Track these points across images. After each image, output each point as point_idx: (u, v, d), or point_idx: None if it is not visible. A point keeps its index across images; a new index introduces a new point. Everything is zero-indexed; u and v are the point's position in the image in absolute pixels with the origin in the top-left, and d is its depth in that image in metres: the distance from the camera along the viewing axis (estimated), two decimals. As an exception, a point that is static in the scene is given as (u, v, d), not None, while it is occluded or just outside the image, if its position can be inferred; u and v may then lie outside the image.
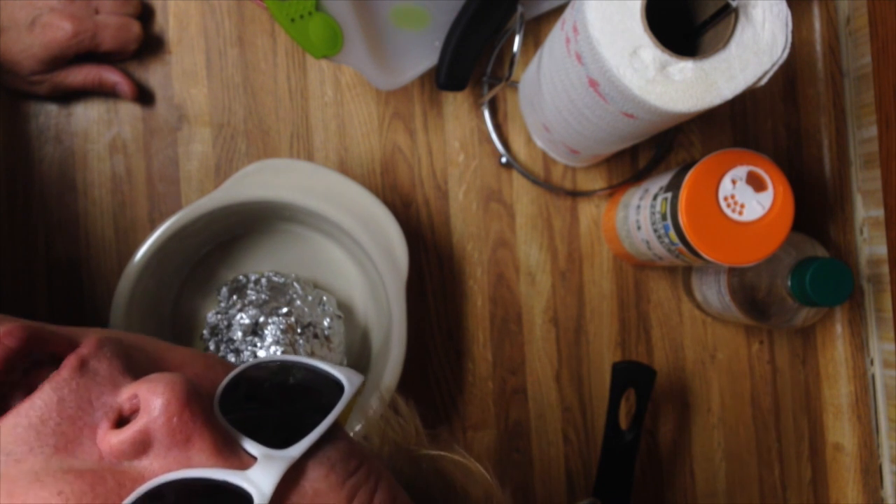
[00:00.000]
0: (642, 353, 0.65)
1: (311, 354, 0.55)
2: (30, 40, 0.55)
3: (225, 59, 0.63)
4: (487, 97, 0.63)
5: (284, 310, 0.55)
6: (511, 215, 0.64)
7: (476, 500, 0.36)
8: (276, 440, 0.28)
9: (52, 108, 0.61)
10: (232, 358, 0.56)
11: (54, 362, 0.27)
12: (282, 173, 0.55)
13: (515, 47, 0.57)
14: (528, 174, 0.64)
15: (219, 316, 0.57)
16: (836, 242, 0.65)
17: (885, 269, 0.62)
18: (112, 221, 0.62)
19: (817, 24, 0.66)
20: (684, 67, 0.42)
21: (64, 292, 0.61)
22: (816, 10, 0.66)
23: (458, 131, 0.64)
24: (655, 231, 0.54)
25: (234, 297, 0.57)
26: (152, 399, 0.26)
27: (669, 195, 0.51)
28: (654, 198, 0.54)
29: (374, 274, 0.57)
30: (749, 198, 0.49)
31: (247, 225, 0.59)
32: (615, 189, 0.64)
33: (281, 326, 0.55)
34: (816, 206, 0.66)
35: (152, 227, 0.55)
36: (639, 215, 0.56)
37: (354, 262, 0.61)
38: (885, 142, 0.61)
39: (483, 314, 0.64)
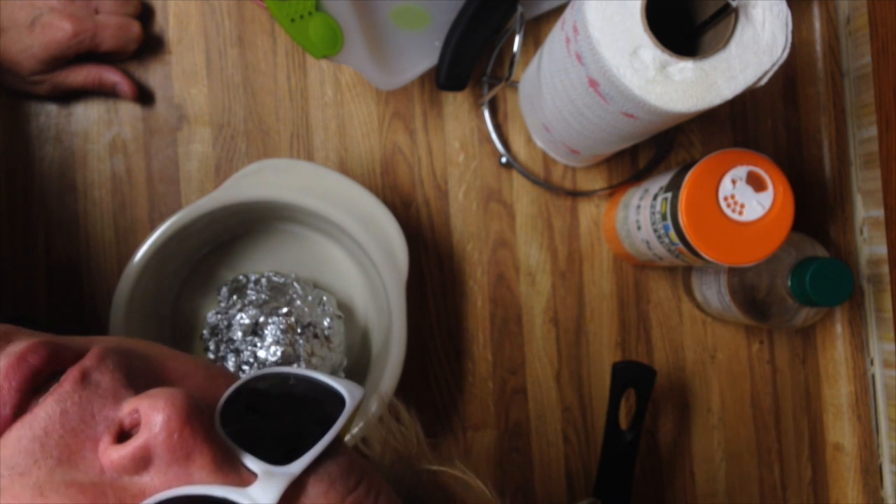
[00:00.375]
0: (642, 353, 0.65)
1: (312, 354, 0.55)
2: (30, 40, 0.55)
3: (225, 59, 0.63)
4: (487, 97, 0.63)
5: (284, 310, 0.55)
6: (511, 215, 0.64)
7: None
8: (277, 454, 0.28)
9: (52, 108, 0.61)
10: (232, 358, 0.56)
11: (56, 372, 0.27)
12: (282, 173, 0.55)
13: (515, 47, 0.57)
14: (528, 174, 0.64)
15: (219, 316, 0.57)
16: (836, 242, 0.65)
17: (885, 269, 0.62)
18: (112, 221, 0.62)
19: (817, 24, 0.66)
20: (684, 67, 0.42)
21: (64, 292, 0.61)
22: (816, 10, 0.66)
23: (458, 131, 0.64)
24: (655, 231, 0.54)
25: (234, 297, 0.57)
26: (153, 415, 0.26)
27: (669, 195, 0.51)
28: (654, 198, 0.54)
29: (374, 274, 0.57)
30: (749, 198, 0.49)
31: (247, 225, 0.59)
32: (615, 189, 0.64)
33: (281, 326, 0.55)
34: (816, 206, 0.66)
35: (152, 227, 0.55)
36: (639, 215, 0.56)
37: (354, 262, 0.61)
38: (885, 142, 0.61)
39: (483, 314, 0.64)
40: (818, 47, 0.66)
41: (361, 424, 0.51)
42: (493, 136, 0.64)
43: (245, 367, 0.55)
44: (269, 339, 0.55)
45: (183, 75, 0.62)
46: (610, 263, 0.65)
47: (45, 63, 0.56)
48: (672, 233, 0.51)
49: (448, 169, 0.64)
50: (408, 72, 0.58)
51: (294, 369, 0.32)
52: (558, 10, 0.63)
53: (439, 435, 0.63)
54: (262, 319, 0.55)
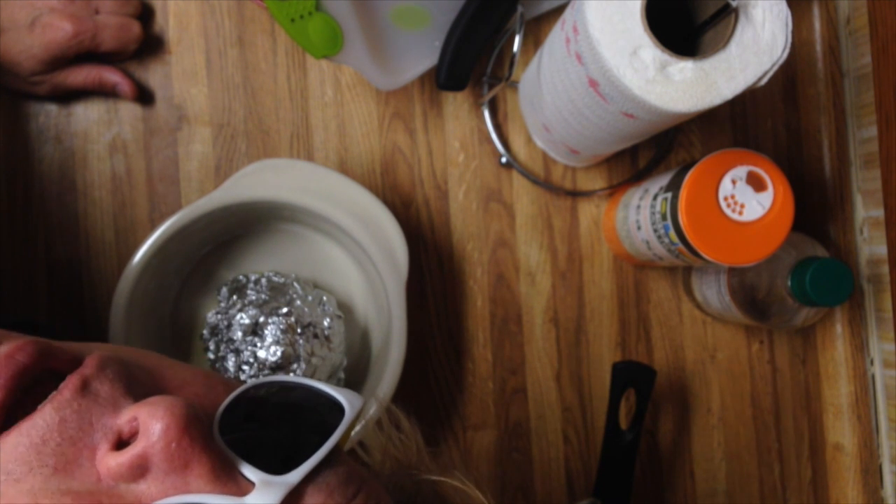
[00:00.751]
0: (642, 353, 0.65)
1: (312, 354, 0.55)
2: (30, 41, 0.55)
3: (225, 59, 0.63)
4: (487, 97, 0.63)
5: (284, 310, 0.55)
6: (511, 215, 0.64)
7: None
8: (276, 463, 0.28)
9: (52, 109, 0.61)
10: (232, 358, 0.56)
11: (54, 379, 0.27)
12: (282, 173, 0.55)
13: (515, 47, 0.57)
14: (528, 174, 0.64)
15: (219, 316, 0.57)
16: (836, 242, 0.65)
17: (885, 269, 0.62)
18: (112, 222, 0.62)
19: (817, 24, 0.66)
20: (684, 67, 0.42)
21: (64, 292, 0.61)
22: (816, 10, 0.66)
23: (458, 131, 0.64)
24: (655, 231, 0.54)
25: (234, 297, 0.57)
26: (151, 423, 0.26)
27: (669, 195, 0.51)
28: (654, 198, 0.54)
29: (374, 274, 0.57)
30: (749, 198, 0.49)
31: (247, 225, 0.59)
32: (615, 189, 0.64)
33: (281, 326, 0.55)
34: (816, 206, 0.66)
35: (152, 227, 0.55)
36: (639, 215, 0.56)
37: (354, 262, 0.61)
38: (885, 142, 0.61)
39: (483, 314, 0.64)
40: (818, 47, 0.66)
41: (359, 428, 0.51)
42: (493, 136, 0.64)
43: (245, 367, 0.55)
44: (269, 339, 0.55)
45: (183, 75, 0.62)
46: (610, 263, 0.65)
47: (45, 63, 0.56)
48: (672, 233, 0.51)
49: (448, 169, 0.64)
50: (408, 72, 0.58)
51: (294, 378, 0.32)
52: (558, 10, 0.63)
53: (439, 435, 0.63)
54: (262, 319, 0.55)
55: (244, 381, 0.55)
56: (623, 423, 0.61)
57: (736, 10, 0.42)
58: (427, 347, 0.63)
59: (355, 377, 0.60)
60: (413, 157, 0.64)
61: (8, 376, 0.26)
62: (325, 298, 0.58)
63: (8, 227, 0.61)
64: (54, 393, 0.27)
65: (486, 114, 0.64)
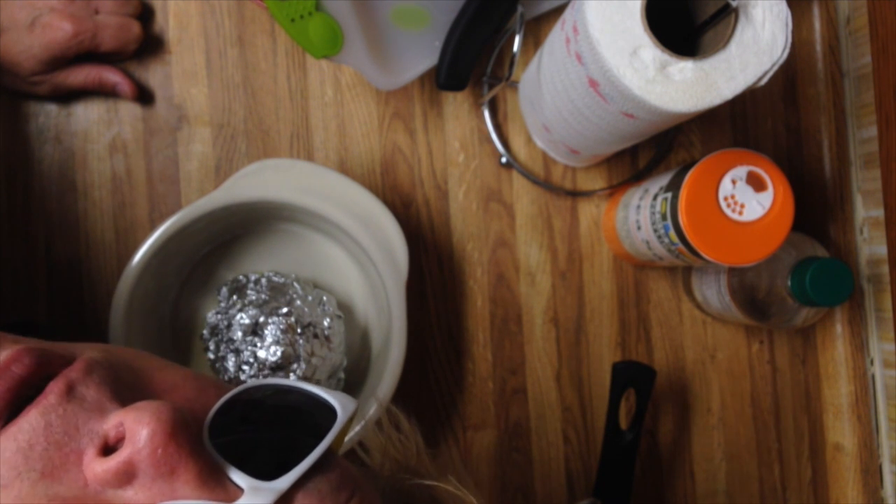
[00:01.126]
0: (642, 353, 0.65)
1: (312, 354, 0.55)
2: (30, 41, 0.55)
3: (225, 59, 0.63)
4: (487, 97, 0.63)
5: (284, 310, 0.55)
6: (511, 215, 0.64)
7: None
8: (266, 468, 0.27)
9: (52, 109, 0.61)
10: (232, 358, 0.56)
11: (47, 380, 0.27)
12: (282, 173, 0.55)
13: (515, 47, 0.57)
14: (528, 174, 0.64)
15: (219, 316, 0.57)
16: (836, 242, 0.65)
17: (885, 269, 0.62)
18: (112, 222, 0.62)
19: (817, 24, 0.66)
20: (684, 67, 0.42)
21: (64, 292, 0.61)
22: (816, 10, 0.66)
23: (458, 131, 0.64)
24: (655, 231, 0.54)
25: (234, 297, 0.57)
26: (138, 429, 0.26)
27: (669, 195, 0.51)
28: (654, 198, 0.54)
29: (374, 274, 0.57)
30: (749, 198, 0.49)
31: (247, 225, 0.59)
32: (615, 189, 0.64)
33: (281, 326, 0.55)
34: (816, 206, 0.66)
35: (152, 227, 0.55)
36: (639, 215, 0.56)
37: (354, 262, 0.61)
38: (885, 142, 0.61)
39: (483, 314, 0.64)
40: (818, 47, 0.66)
41: (358, 428, 0.51)
42: (493, 136, 0.64)
43: (245, 367, 0.55)
44: (269, 339, 0.55)
45: (183, 75, 0.62)
46: (610, 263, 0.65)
47: (45, 63, 0.56)
48: (672, 233, 0.51)
49: (448, 169, 0.64)
50: (408, 72, 0.58)
51: (286, 381, 0.32)
52: (558, 10, 0.63)
53: (439, 435, 0.63)
54: (262, 319, 0.55)
55: (237, 384, 0.55)
56: (623, 423, 0.61)
57: (736, 10, 0.42)
58: (427, 347, 0.63)
59: (355, 377, 0.60)
60: (413, 157, 0.64)
61: (4, 389, 0.26)
62: (325, 298, 0.58)
63: (8, 227, 0.61)
64: (40, 397, 0.27)
65: (486, 114, 0.64)
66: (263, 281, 0.57)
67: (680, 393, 0.65)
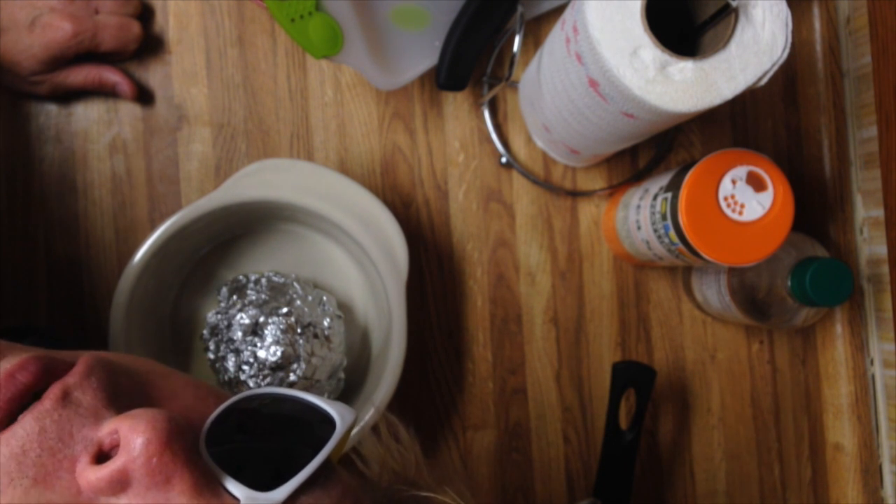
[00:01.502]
0: (642, 353, 0.65)
1: (312, 354, 0.55)
2: (30, 40, 0.55)
3: (225, 59, 0.63)
4: (487, 97, 0.63)
5: (284, 310, 0.55)
6: (511, 215, 0.64)
7: None
8: (264, 478, 0.27)
9: (52, 108, 0.61)
10: (232, 358, 0.56)
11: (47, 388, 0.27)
12: (282, 173, 0.55)
13: (515, 47, 0.57)
14: (528, 174, 0.64)
15: (219, 316, 0.57)
16: (836, 242, 0.65)
17: (885, 269, 0.62)
18: (112, 221, 0.62)
19: (817, 24, 0.66)
20: (684, 67, 0.42)
21: (64, 292, 0.61)
22: (816, 10, 0.66)
23: (458, 131, 0.64)
24: (655, 231, 0.54)
25: (234, 297, 0.57)
26: (132, 437, 0.25)
27: (669, 195, 0.51)
28: (654, 198, 0.54)
29: (374, 274, 0.57)
30: (749, 198, 0.49)
31: (247, 225, 0.59)
32: (615, 189, 0.64)
33: (281, 326, 0.55)
34: (816, 206, 0.66)
35: (152, 227, 0.55)
36: (639, 215, 0.56)
37: (354, 262, 0.61)
38: (885, 142, 0.61)
39: (483, 314, 0.64)
40: (818, 47, 0.66)
41: (355, 433, 0.51)
42: (493, 136, 0.64)
43: (245, 367, 0.55)
44: (269, 339, 0.55)
45: (183, 75, 0.62)
46: (610, 263, 0.65)
47: (45, 63, 0.56)
48: (672, 233, 0.51)
49: (448, 169, 0.64)
50: (408, 72, 0.58)
51: (285, 390, 0.32)
52: (558, 10, 0.63)
53: (439, 435, 0.63)
54: (262, 319, 0.55)
55: (244, 387, 0.55)
56: (623, 423, 0.61)
57: (736, 10, 0.42)
58: (427, 347, 0.63)
59: (355, 377, 0.60)
60: (413, 157, 0.64)
61: (9, 397, 0.26)
62: (325, 298, 0.58)
63: (8, 227, 0.61)
64: (36, 402, 0.27)
65: (486, 114, 0.64)
66: (263, 281, 0.58)
67: (680, 393, 0.65)
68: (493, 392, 0.64)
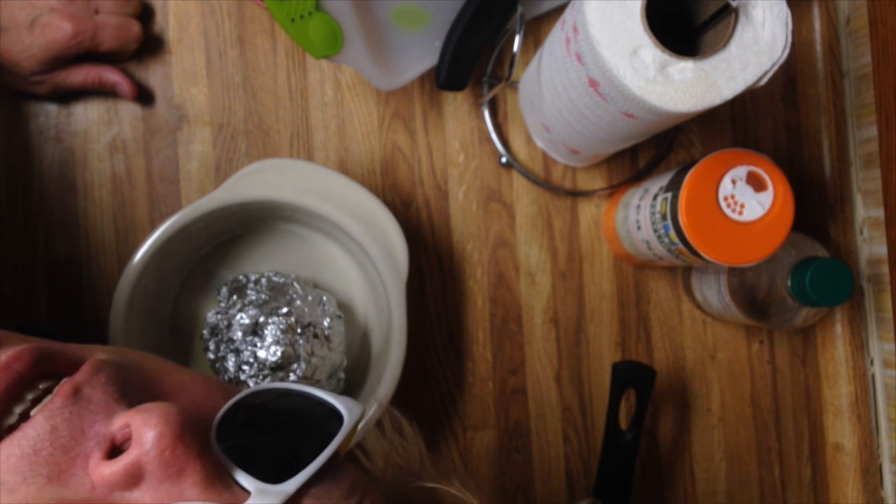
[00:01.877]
0: (642, 353, 0.65)
1: (312, 354, 0.55)
2: (30, 41, 0.55)
3: (225, 59, 0.63)
4: (487, 97, 0.63)
5: (284, 310, 0.55)
6: (511, 215, 0.64)
7: None
8: (273, 471, 0.27)
9: (52, 108, 0.61)
10: (232, 358, 0.56)
11: (55, 380, 0.27)
12: (282, 173, 0.55)
13: (515, 47, 0.57)
14: (528, 174, 0.64)
15: (219, 316, 0.57)
16: (836, 242, 0.65)
17: (885, 269, 0.62)
18: (112, 221, 0.62)
19: (817, 24, 0.66)
20: (684, 67, 0.42)
21: (64, 292, 0.61)
22: (816, 10, 0.66)
23: (458, 131, 0.64)
24: (655, 231, 0.54)
25: (234, 297, 0.57)
26: (145, 431, 0.26)
27: (669, 195, 0.51)
28: (654, 198, 0.54)
29: (374, 274, 0.57)
30: (749, 198, 0.49)
31: (247, 225, 0.59)
32: (615, 189, 0.64)
33: (281, 326, 0.55)
34: (816, 206, 0.66)
35: (152, 227, 0.55)
36: (639, 215, 0.56)
37: (354, 262, 0.61)
38: (885, 142, 0.61)
39: (483, 314, 0.64)
40: (818, 47, 0.66)
41: (362, 425, 0.51)
42: (493, 136, 0.64)
43: (245, 367, 0.55)
44: (269, 339, 0.55)
45: (183, 75, 0.62)
46: (610, 263, 0.65)
47: (45, 63, 0.56)
48: (672, 233, 0.51)
49: (448, 169, 0.64)
50: (408, 72, 0.58)
51: (293, 385, 0.32)
52: (558, 10, 0.63)
53: (439, 435, 0.63)
54: (262, 319, 0.55)
55: (244, 387, 0.55)
56: (623, 423, 0.61)
57: (736, 10, 0.42)
58: (427, 347, 0.63)
59: (355, 377, 0.60)
60: (413, 157, 0.64)
61: (3, 387, 0.26)
62: (325, 298, 0.58)
63: (8, 227, 0.61)
64: (46, 400, 0.27)
65: (486, 114, 0.64)
66: (263, 281, 0.58)
67: (680, 393, 0.65)
68: (493, 392, 0.64)
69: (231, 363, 0.56)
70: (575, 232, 0.65)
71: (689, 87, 0.42)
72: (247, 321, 0.55)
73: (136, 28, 0.58)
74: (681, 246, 0.51)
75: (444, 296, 0.64)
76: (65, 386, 0.27)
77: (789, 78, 0.66)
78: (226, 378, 0.56)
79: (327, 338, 0.56)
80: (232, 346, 0.56)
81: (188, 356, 0.60)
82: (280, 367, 0.55)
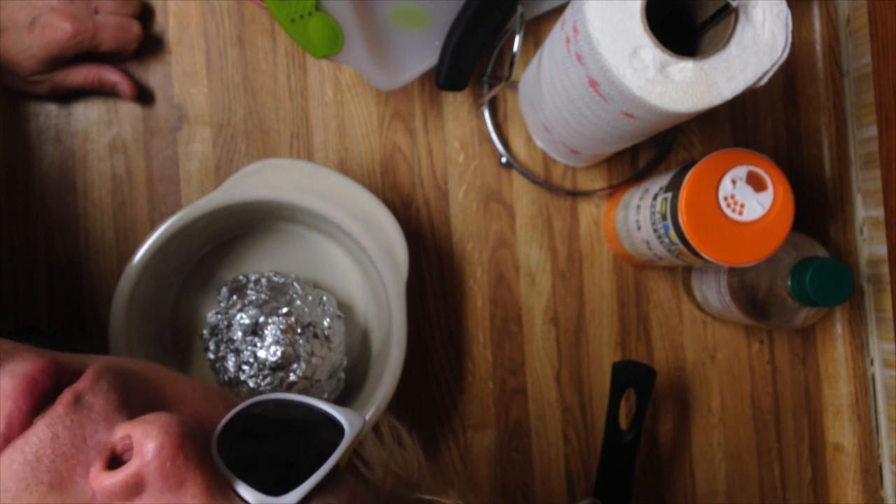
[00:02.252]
0: (642, 353, 0.65)
1: (312, 354, 0.55)
2: (30, 40, 0.55)
3: (225, 59, 0.63)
4: (487, 97, 0.63)
5: (284, 310, 0.55)
6: (511, 215, 0.64)
7: None
8: (274, 482, 0.27)
9: (52, 108, 0.61)
10: (232, 358, 0.56)
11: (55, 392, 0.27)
12: (282, 173, 0.55)
13: (515, 47, 0.57)
14: (528, 174, 0.64)
15: (219, 316, 0.57)
16: (836, 242, 0.65)
17: (885, 269, 0.62)
18: (112, 222, 0.62)
19: (817, 24, 0.66)
20: (684, 67, 0.42)
21: (64, 292, 0.61)
22: (816, 10, 0.66)
23: (458, 131, 0.64)
24: (655, 231, 0.54)
25: (234, 297, 0.57)
26: (146, 442, 0.26)
27: (669, 195, 0.51)
28: (654, 198, 0.54)
29: (374, 274, 0.57)
30: (749, 198, 0.49)
31: (247, 225, 0.59)
32: (615, 189, 0.64)
33: (281, 326, 0.55)
34: (816, 206, 0.66)
35: (152, 227, 0.55)
36: (639, 215, 0.56)
37: (354, 262, 0.61)
38: (885, 142, 0.61)
39: (483, 314, 0.64)
40: (818, 47, 0.66)
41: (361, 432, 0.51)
42: (493, 136, 0.64)
43: (245, 367, 0.55)
44: (269, 339, 0.55)
45: (183, 75, 0.62)
46: (610, 263, 0.65)
47: (44, 63, 0.56)
48: (672, 233, 0.51)
49: (448, 169, 0.64)
50: (408, 72, 0.58)
51: (294, 396, 0.32)
52: (558, 10, 0.63)
53: (439, 435, 0.63)
54: (262, 319, 0.55)
55: (244, 387, 0.55)
56: (623, 423, 0.61)
57: (736, 10, 0.42)
58: (427, 347, 0.63)
59: (355, 377, 0.60)
60: (413, 157, 0.64)
61: (32, 403, 0.26)
62: (325, 298, 0.58)
63: (8, 227, 0.61)
64: (48, 408, 0.27)
65: (486, 114, 0.64)
66: (263, 281, 0.57)
67: (680, 393, 0.65)
68: (493, 392, 0.64)
69: (231, 363, 0.56)
70: (575, 232, 0.65)
71: (689, 87, 0.42)
72: (247, 321, 0.55)
73: (135, 28, 0.58)
74: (681, 246, 0.51)
75: (444, 296, 0.64)
76: (67, 394, 0.27)
77: (789, 78, 0.66)
78: (226, 378, 0.56)
79: (327, 338, 0.56)
80: (232, 346, 0.56)
81: (188, 356, 0.60)
82: (280, 367, 0.55)
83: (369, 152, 0.63)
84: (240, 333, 0.56)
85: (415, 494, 0.36)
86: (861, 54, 0.63)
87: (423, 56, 0.58)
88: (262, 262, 0.61)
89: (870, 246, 0.64)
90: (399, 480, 0.37)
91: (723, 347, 0.65)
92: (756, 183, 0.50)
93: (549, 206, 0.64)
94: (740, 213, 0.49)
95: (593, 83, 0.45)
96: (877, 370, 0.65)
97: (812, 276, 0.52)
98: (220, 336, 0.57)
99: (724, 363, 0.65)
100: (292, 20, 0.50)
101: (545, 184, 0.64)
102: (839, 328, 0.66)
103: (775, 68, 0.43)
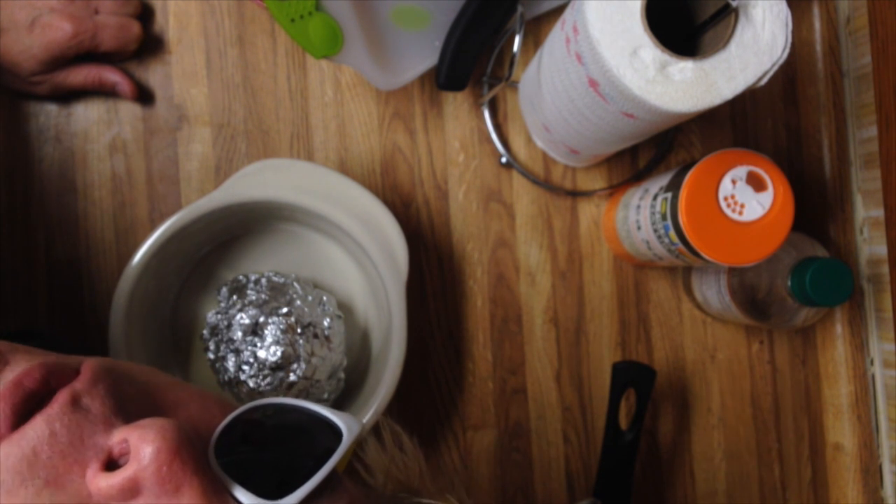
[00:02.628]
0: (642, 353, 0.65)
1: (312, 354, 0.55)
2: (30, 41, 0.55)
3: (225, 59, 0.63)
4: (487, 97, 0.63)
5: (284, 310, 0.55)
6: (511, 215, 0.64)
7: None
8: (272, 487, 0.27)
9: (52, 109, 0.61)
10: (232, 358, 0.56)
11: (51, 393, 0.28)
12: (282, 173, 0.55)
13: (515, 47, 0.57)
14: (528, 174, 0.64)
15: (219, 316, 0.57)
16: (836, 242, 0.65)
17: (885, 269, 0.62)
18: (112, 222, 0.62)
19: (817, 24, 0.66)
20: (684, 67, 0.42)
21: (64, 292, 0.61)
22: (816, 10, 0.66)
23: (458, 131, 0.64)
24: (655, 231, 0.54)
25: (234, 297, 0.57)
26: (143, 446, 0.26)
27: (669, 195, 0.51)
28: (654, 198, 0.54)
29: (374, 274, 0.57)
30: (749, 198, 0.49)
31: (247, 225, 0.59)
32: (615, 189, 0.64)
33: (281, 326, 0.55)
34: (816, 206, 0.66)
35: (152, 227, 0.55)
36: (639, 215, 0.56)
37: (354, 262, 0.61)
38: (885, 142, 0.61)
39: (483, 314, 0.64)
40: (818, 47, 0.66)
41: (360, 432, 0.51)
42: (493, 136, 0.64)
43: (245, 367, 0.55)
44: (269, 339, 0.55)
45: (183, 75, 0.62)
46: (610, 263, 0.65)
47: (45, 63, 0.56)
48: (672, 233, 0.51)
49: (448, 169, 0.64)
50: (408, 72, 0.58)
51: (292, 400, 0.32)
52: (558, 10, 0.63)
53: (439, 435, 0.63)
54: (262, 319, 0.55)
55: (244, 387, 0.55)
56: (623, 423, 0.61)
57: (736, 10, 0.42)
58: (427, 347, 0.63)
59: (355, 377, 0.60)
60: (413, 157, 0.64)
61: (17, 402, 0.26)
62: (325, 298, 0.58)
63: (8, 227, 0.61)
64: (46, 406, 0.27)
65: (486, 114, 0.64)
66: (263, 281, 0.57)
67: (680, 393, 0.65)
68: (493, 392, 0.64)
69: (231, 363, 0.56)
70: (575, 232, 0.65)
71: (689, 87, 0.42)
72: (247, 321, 0.55)
73: (135, 28, 0.58)
74: (681, 246, 0.51)
75: (444, 296, 0.64)
76: (64, 393, 0.27)
77: (789, 78, 0.66)
78: (226, 378, 0.56)
79: (327, 338, 0.56)
80: (232, 346, 0.56)
81: (188, 356, 0.60)
82: (280, 368, 0.55)
83: (369, 152, 0.63)
84: (240, 333, 0.56)
85: (415, 500, 0.36)
86: (861, 54, 0.63)
87: (423, 56, 0.58)
88: (262, 262, 0.61)
89: (870, 246, 0.64)
90: (400, 486, 0.38)
91: (723, 347, 0.65)
92: (756, 183, 0.50)
93: (549, 206, 0.64)
94: (740, 213, 0.49)
95: (593, 83, 0.45)
96: (877, 370, 0.65)
97: (812, 276, 0.52)
98: (220, 336, 0.57)
99: (724, 363, 0.65)
100: (292, 20, 0.50)
101: (545, 184, 0.64)
102: (839, 328, 0.66)
103: (775, 68, 0.43)
